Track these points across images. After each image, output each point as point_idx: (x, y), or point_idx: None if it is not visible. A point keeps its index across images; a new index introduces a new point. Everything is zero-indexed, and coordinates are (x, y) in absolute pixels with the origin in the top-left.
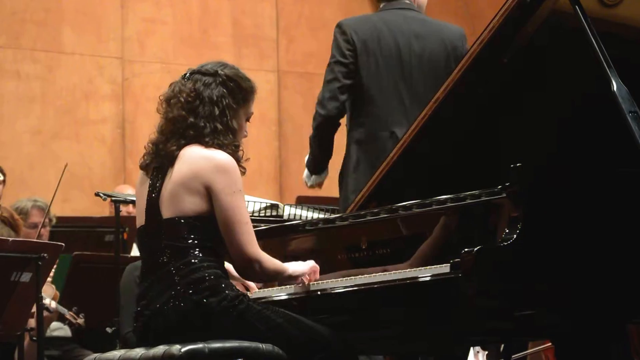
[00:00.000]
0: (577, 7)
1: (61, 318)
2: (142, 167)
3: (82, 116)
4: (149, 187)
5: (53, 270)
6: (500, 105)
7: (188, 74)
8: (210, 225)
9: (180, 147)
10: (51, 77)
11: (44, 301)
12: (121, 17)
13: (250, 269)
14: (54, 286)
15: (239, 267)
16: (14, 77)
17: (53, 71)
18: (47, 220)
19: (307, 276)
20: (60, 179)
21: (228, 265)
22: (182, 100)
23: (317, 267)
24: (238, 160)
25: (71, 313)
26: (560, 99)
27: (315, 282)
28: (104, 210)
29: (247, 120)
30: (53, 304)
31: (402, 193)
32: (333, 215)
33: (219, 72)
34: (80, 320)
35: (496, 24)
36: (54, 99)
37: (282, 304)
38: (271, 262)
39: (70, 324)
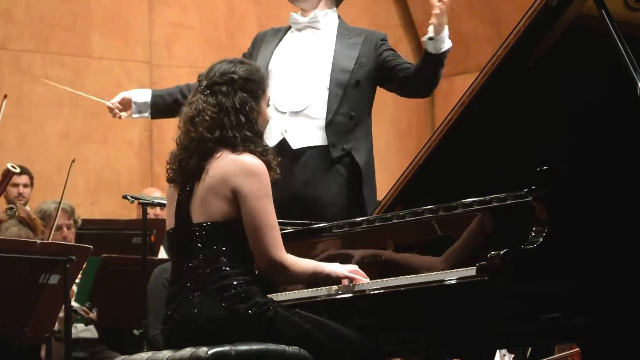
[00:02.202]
0: (603, 10)
1: (75, 313)
2: (168, 181)
3: (109, 119)
4: (179, 191)
5: (80, 272)
6: (525, 108)
7: (204, 88)
8: (239, 230)
9: (207, 161)
10: (79, 82)
11: None
12: (149, 21)
13: (275, 272)
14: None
15: (263, 270)
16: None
17: (81, 75)
18: (72, 222)
19: (345, 281)
20: (68, 176)
21: None
22: (207, 118)
23: (359, 271)
24: (269, 164)
25: (84, 308)
26: (586, 102)
27: (341, 285)
28: (132, 212)
29: (268, 105)
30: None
31: (428, 196)
32: (359, 218)
33: (234, 77)
34: (93, 315)
35: (522, 27)
36: (82, 103)
37: (309, 306)
38: (299, 266)
39: (83, 319)
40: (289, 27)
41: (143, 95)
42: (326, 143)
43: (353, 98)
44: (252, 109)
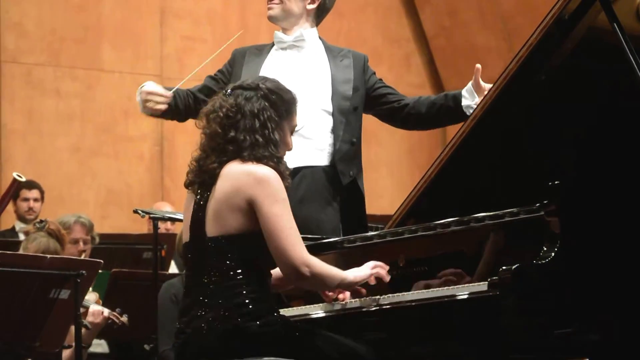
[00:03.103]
0: (614, 23)
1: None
2: (186, 186)
3: (120, 133)
4: (194, 204)
5: (90, 287)
6: (538, 122)
7: (229, 90)
8: (254, 243)
9: (221, 164)
10: (90, 95)
11: (89, 305)
12: (160, 35)
13: (298, 273)
14: (95, 293)
15: (287, 274)
16: (54, 95)
17: (92, 89)
18: (89, 237)
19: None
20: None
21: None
22: (222, 114)
23: (380, 264)
24: (281, 173)
25: (114, 313)
26: (599, 116)
27: (352, 300)
28: (142, 227)
29: (292, 133)
30: (98, 307)
31: (440, 210)
32: (371, 233)
33: (260, 85)
34: (124, 319)
35: (534, 41)
36: (93, 117)
37: (320, 322)
38: (322, 266)
39: (114, 324)
40: (272, 45)
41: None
42: (320, 164)
43: (353, 124)
44: (271, 118)
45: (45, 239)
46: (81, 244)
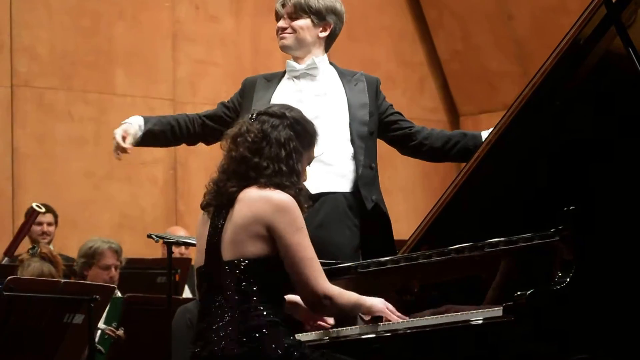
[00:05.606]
0: (630, 49)
1: (100, 335)
2: (202, 207)
3: (134, 157)
4: (210, 228)
5: (105, 312)
6: (553, 147)
7: (254, 115)
8: (271, 268)
9: (240, 188)
10: (103, 119)
11: None
12: (172, 58)
13: (320, 304)
14: None
15: (308, 303)
16: (67, 119)
17: (105, 113)
18: (119, 263)
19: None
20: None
21: (295, 298)
22: (249, 139)
23: (396, 311)
24: (300, 203)
25: (110, 328)
26: (613, 141)
27: (366, 325)
28: (156, 251)
29: (308, 164)
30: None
31: (454, 235)
32: (385, 258)
33: (287, 114)
34: (120, 332)
35: (549, 66)
36: (106, 141)
37: (335, 346)
38: (344, 296)
39: (111, 339)
40: (282, 74)
41: (138, 129)
42: (342, 190)
43: (370, 149)
44: (296, 148)
45: (38, 263)
46: (113, 270)
